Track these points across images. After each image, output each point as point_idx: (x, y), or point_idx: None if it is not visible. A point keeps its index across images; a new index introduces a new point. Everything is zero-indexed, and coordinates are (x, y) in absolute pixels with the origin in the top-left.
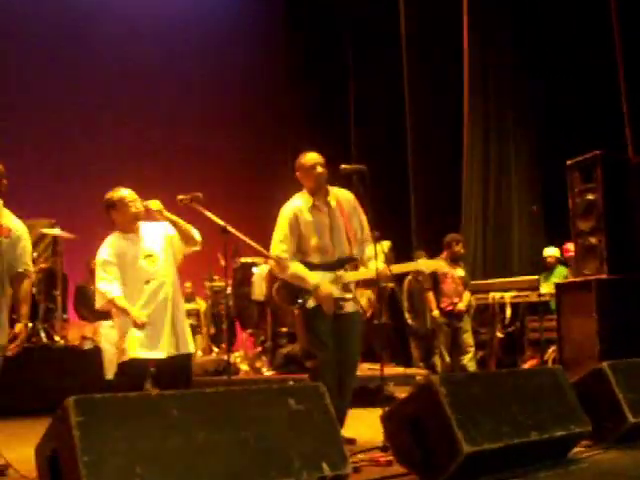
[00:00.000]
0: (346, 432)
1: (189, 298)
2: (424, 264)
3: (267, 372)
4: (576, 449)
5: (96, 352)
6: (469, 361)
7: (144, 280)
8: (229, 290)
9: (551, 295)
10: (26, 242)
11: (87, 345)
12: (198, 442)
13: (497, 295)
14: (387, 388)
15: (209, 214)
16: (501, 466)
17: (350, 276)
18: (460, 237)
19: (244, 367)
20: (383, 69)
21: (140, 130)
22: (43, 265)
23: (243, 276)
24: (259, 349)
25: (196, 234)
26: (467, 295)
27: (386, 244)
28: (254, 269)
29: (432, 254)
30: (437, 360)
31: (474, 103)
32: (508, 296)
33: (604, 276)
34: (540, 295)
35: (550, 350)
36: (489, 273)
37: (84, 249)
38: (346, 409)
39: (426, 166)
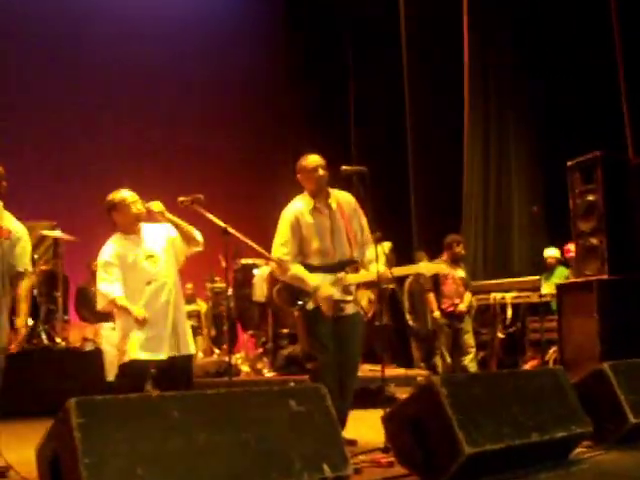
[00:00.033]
0: (347, 433)
1: (190, 299)
2: (425, 267)
3: (268, 373)
4: (577, 450)
5: (97, 354)
6: (470, 362)
7: (145, 281)
8: (230, 291)
9: (552, 296)
10: (26, 243)
11: (88, 347)
12: (199, 443)
13: (498, 296)
14: (388, 389)
15: (210, 216)
16: (502, 467)
17: (351, 278)
18: (461, 238)
19: (245, 368)
20: (383, 69)
21: (140, 130)
22: (44, 267)
23: (244, 277)
24: (260, 350)
25: (198, 235)
26: (468, 296)
27: (387, 245)
28: (255, 270)
29: (433, 255)
30: (438, 361)
31: (474, 103)
32: (509, 297)
33: (605, 277)
34: (541, 296)
35: (551, 351)
36: (489, 274)
37: (85, 250)
38: (347, 410)
39: (426, 166)
